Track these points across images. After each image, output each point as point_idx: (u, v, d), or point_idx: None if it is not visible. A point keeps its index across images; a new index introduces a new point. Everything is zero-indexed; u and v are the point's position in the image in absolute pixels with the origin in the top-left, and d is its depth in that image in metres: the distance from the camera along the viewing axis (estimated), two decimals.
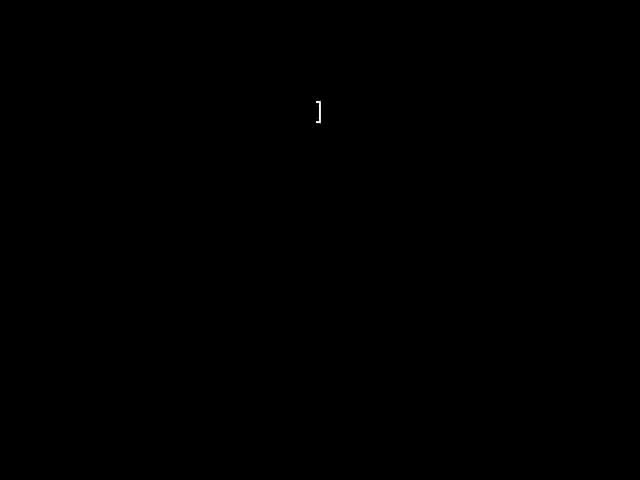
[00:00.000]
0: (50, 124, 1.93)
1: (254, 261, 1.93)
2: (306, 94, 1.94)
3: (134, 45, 1.93)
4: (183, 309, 1.93)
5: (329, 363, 1.93)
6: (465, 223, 1.94)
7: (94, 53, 1.93)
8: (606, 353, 1.92)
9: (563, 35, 1.94)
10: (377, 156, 1.95)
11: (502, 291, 1.93)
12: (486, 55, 1.94)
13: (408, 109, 1.95)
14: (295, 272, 1.94)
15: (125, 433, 1.90)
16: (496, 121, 1.95)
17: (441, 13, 1.94)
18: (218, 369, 1.92)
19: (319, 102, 1.93)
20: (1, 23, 1.90)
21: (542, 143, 1.94)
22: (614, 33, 1.93)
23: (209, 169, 1.94)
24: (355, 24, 1.94)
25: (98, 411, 1.91)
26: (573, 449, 1.90)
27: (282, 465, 1.91)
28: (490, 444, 1.91)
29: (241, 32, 1.94)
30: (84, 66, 1.93)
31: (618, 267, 1.93)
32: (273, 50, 1.94)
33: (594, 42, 1.93)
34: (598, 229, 1.93)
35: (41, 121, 1.92)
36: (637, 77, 1.92)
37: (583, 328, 1.92)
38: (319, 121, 1.94)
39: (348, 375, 1.93)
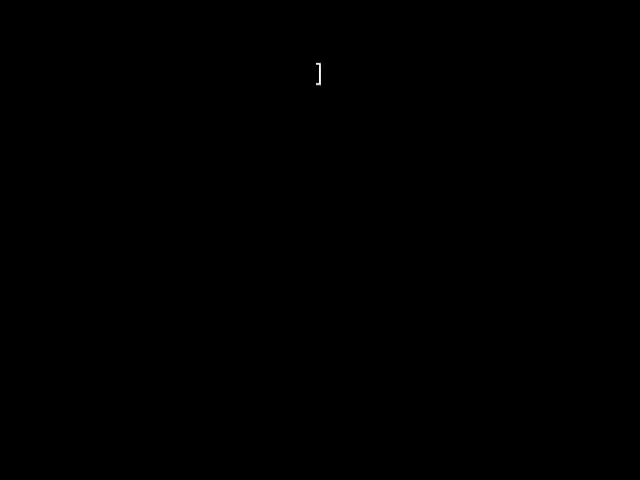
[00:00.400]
0: (50, 124, 1.93)
1: (253, 227, 1.93)
2: (306, 56, 1.93)
3: (127, 16, 1.93)
4: (181, 296, 1.93)
5: (329, 360, 1.93)
6: (465, 187, 1.93)
7: (88, 48, 1.93)
8: (606, 353, 1.90)
9: (563, 35, 1.91)
10: (377, 118, 1.93)
11: (501, 287, 1.92)
12: (490, 20, 1.92)
13: (409, 71, 1.93)
14: (292, 236, 1.93)
15: (125, 433, 1.91)
16: (498, 94, 1.93)
17: None
18: (218, 369, 1.92)
19: (319, 64, 1.92)
20: (1, 23, 1.91)
21: (542, 139, 1.93)
22: (614, 33, 1.90)
23: (208, 134, 1.94)
24: None
25: (98, 411, 1.91)
26: (573, 449, 1.90)
27: (282, 465, 1.91)
28: (490, 444, 1.90)
29: None
30: (84, 66, 1.93)
31: (618, 267, 1.91)
32: (273, 11, 1.93)
33: (594, 42, 1.91)
34: (598, 229, 1.91)
35: (41, 121, 1.93)
36: (637, 77, 1.90)
37: (583, 328, 1.91)
38: (319, 83, 1.93)
39: (348, 375, 1.93)
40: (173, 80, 1.93)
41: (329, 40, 1.93)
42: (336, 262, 1.94)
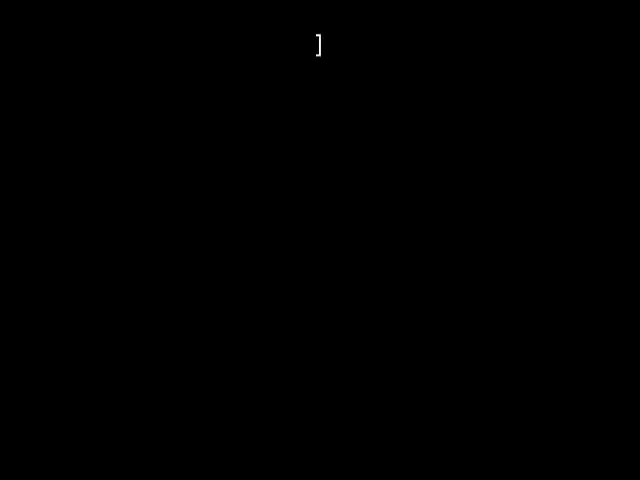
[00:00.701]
0: (50, 124, 1.93)
1: (252, 204, 1.93)
2: (306, 27, 1.93)
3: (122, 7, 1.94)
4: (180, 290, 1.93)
5: (328, 359, 1.92)
6: (467, 161, 1.93)
7: (86, 46, 1.94)
8: (606, 353, 1.89)
9: (563, 35, 1.92)
10: (377, 89, 1.93)
11: (501, 286, 1.91)
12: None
13: (410, 42, 1.93)
14: (291, 213, 1.93)
15: (125, 433, 1.90)
16: (498, 73, 1.93)
17: None
18: (218, 369, 1.91)
19: (319, 35, 1.92)
20: (1, 23, 1.92)
21: (542, 139, 1.93)
22: (614, 33, 1.91)
23: (206, 109, 1.94)
24: None
25: (98, 411, 1.90)
26: (573, 449, 1.88)
27: (282, 465, 1.90)
28: (490, 444, 1.89)
29: None
30: (83, 66, 1.94)
31: (618, 267, 1.90)
32: None
33: (594, 42, 1.91)
34: (598, 229, 1.91)
35: (41, 121, 1.93)
36: (637, 77, 1.90)
37: (583, 328, 1.90)
38: (319, 54, 1.92)
39: (348, 375, 1.92)
40: (173, 56, 1.94)
41: (329, 12, 1.93)
42: (336, 243, 1.93)
